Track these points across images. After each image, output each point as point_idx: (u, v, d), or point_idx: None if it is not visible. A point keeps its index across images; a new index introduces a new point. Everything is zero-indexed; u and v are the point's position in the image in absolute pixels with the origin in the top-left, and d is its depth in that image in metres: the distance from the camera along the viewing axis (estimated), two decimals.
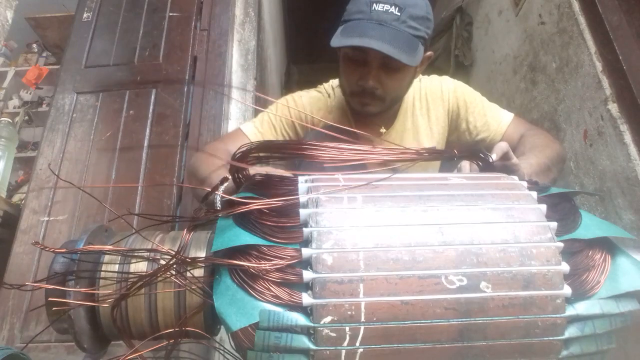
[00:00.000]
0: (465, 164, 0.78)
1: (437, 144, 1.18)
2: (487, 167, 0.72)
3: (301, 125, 1.16)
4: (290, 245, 0.53)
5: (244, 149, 0.61)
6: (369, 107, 1.07)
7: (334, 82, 1.24)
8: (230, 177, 0.64)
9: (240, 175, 0.63)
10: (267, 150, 0.61)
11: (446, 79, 1.22)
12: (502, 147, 0.77)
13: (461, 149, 0.70)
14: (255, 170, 0.68)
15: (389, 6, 0.97)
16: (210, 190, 0.66)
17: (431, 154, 0.65)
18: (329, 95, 1.21)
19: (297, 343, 0.48)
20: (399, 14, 0.97)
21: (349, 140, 0.61)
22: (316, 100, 1.20)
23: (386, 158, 0.61)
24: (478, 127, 1.14)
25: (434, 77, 1.23)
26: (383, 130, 1.16)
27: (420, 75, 1.21)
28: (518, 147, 1.05)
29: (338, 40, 0.99)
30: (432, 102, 1.19)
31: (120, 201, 1.55)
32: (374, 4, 0.98)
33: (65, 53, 1.90)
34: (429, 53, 1.08)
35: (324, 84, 1.25)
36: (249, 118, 1.81)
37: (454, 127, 1.19)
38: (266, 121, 1.17)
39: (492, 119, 1.14)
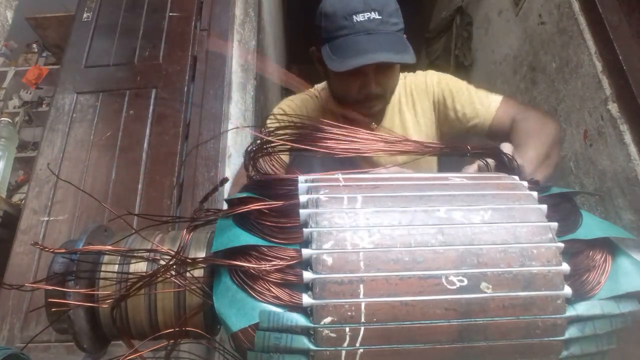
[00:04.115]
0: (468, 169, 0.78)
1: (426, 137, 1.18)
2: (502, 167, 0.71)
3: None
4: (290, 245, 0.53)
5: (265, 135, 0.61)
6: (375, 108, 1.10)
7: (319, 85, 1.26)
8: (229, 178, 0.64)
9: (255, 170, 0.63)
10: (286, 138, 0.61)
11: (430, 73, 1.22)
12: (506, 148, 0.77)
13: (475, 146, 0.70)
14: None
15: (369, 13, 0.97)
16: (210, 190, 0.66)
17: (444, 149, 0.65)
18: (316, 97, 1.23)
19: (297, 344, 0.48)
20: (380, 17, 0.98)
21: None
22: (308, 102, 1.22)
23: (398, 149, 0.61)
24: (467, 114, 1.14)
25: (419, 73, 1.24)
26: (374, 126, 1.17)
27: (406, 73, 1.23)
28: (512, 136, 1.03)
29: (338, 64, 0.98)
30: (417, 96, 1.20)
31: (120, 201, 1.55)
32: (354, 16, 0.97)
33: (65, 53, 1.90)
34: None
35: (310, 89, 1.27)
36: (249, 118, 1.81)
37: (442, 118, 1.19)
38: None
39: (480, 105, 1.13)
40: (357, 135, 0.59)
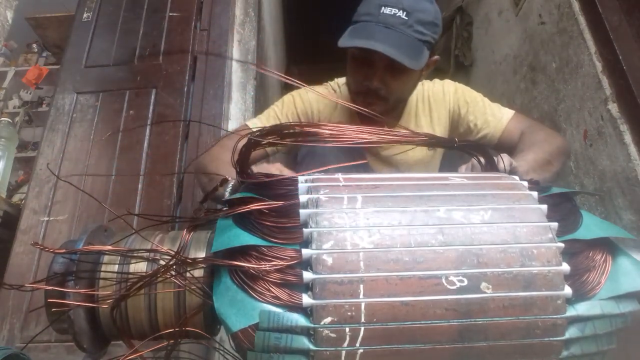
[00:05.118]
0: (463, 168, 0.79)
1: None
2: (490, 165, 0.72)
3: (307, 120, 1.18)
4: (290, 245, 0.53)
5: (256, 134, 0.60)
6: (373, 106, 1.09)
7: (340, 80, 1.26)
8: (230, 178, 0.64)
9: (244, 172, 0.63)
10: (277, 136, 0.61)
11: (447, 82, 1.24)
12: (504, 158, 0.78)
13: (462, 139, 0.71)
14: (260, 168, 0.68)
15: (397, 10, 0.99)
16: (210, 190, 0.66)
17: (432, 140, 0.65)
18: (335, 92, 1.23)
19: (297, 344, 0.48)
20: (406, 18, 0.99)
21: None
22: (322, 96, 1.21)
23: (388, 139, 0.61)
24: (478, 125, 1.16)
25: (436, 81, 1.26)
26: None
27: (423, 80, 1.23)
28: (518, 145, 1.06)
29: (344, 40, 1.01)
30: (434, 104, 1.21)
31: (120, 201, 1.54)
32: (383, 7, 1.00)
33: (65, 53, 1.90)
34: (435, 57, 1.11)
35: (329, 81, 1.27)
36: (249, 118, 1.81)
37: (455, 127, 1.21)
38: (272, 116, 1.18)
39: (492, 116, 1.15)
40: (347, 129, 0.60)
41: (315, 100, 1.20)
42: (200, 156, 1.14)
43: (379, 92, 1.05)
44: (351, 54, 1.07)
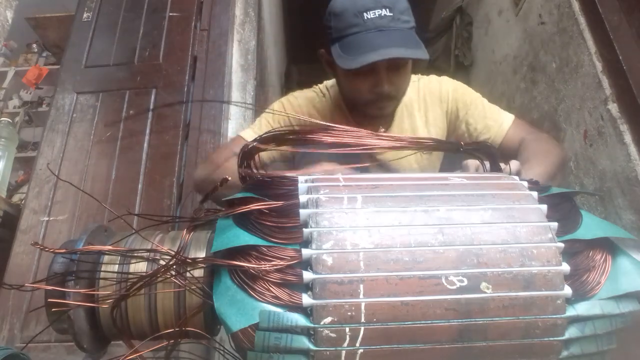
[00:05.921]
0: (471, 163, 0.78)
1: None
2: (495, 167, 0.71)
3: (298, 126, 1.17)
4: (290, 245, 0.53)
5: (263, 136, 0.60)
6: (386, 109, 1.08)
7: (328, 82, 1.24)
8: (230, 178, 0.64)
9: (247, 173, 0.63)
10: (278, 140, 0.60)
11: (445, 80, 1.20)
12: (513, 165, 0.77)
13: (467, 142, 0.70)
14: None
15: (379, 10, 0.96)
16: (210, 190, 0.66)
17: (435, 144, 0.65)
18: (324, 95, 1.21)
19: (297, 344, 0.48)
20: (391, 14, 0.96)
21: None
22: (311, 101, 1.20)
23: (391, 144, 0.61)
24: (478, 129, 1.13)
25: (433, 78, 1.21)
26: (382, 130, 1.16)
27: (420, 75, 1.21)
28: (520, 153, 1.03)
29: (350, 62, 0.96)
30: (430, 103, 1.17)
31: (120, 201, 1.55)
32: (365, 13, 0.96)
33: (65, 53, 1.90)
34: None
35: (318, 85, 1.25)
36: (249, 118, 1.82)
37: (452, 128, 1.17)
38: (264, 124, 1.17)
39: (493, 121, 1.12)
40: (348, 132, 0.59)
41: (305, 105, 1.18)
42: (197, 170, 1.14)
43: (390, 94, 1.03)
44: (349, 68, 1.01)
